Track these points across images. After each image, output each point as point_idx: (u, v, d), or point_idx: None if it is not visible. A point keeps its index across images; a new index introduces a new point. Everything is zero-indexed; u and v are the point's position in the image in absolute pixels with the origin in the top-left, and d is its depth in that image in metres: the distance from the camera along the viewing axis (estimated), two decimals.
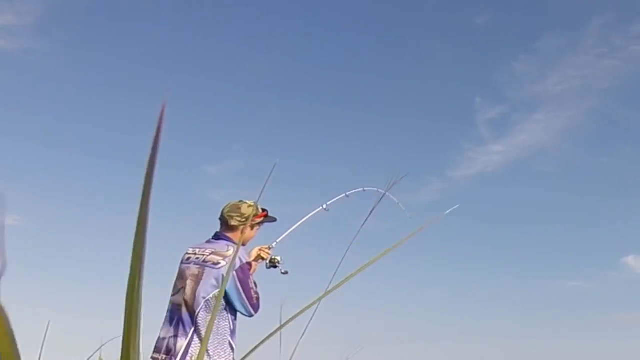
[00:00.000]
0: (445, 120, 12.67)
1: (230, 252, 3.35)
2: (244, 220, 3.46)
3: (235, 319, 3.34)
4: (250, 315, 3.33)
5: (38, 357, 2.23)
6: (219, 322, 3.27)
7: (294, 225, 3.91)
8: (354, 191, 4.22)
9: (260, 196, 1.01)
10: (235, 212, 3.47)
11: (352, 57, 12.44)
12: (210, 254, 3.38)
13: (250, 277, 3.35)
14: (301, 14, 12.27)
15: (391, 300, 11.19)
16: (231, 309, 3.30)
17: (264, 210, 3.61)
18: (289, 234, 3.87)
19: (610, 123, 11.81)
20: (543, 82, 11.73)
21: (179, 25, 12.20)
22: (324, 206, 4.03)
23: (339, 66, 12.38)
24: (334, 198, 4.10)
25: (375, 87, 12.55)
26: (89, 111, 12.31)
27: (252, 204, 3.51)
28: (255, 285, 3.38)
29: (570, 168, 12.09)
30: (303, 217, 3.97)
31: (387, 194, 4.38)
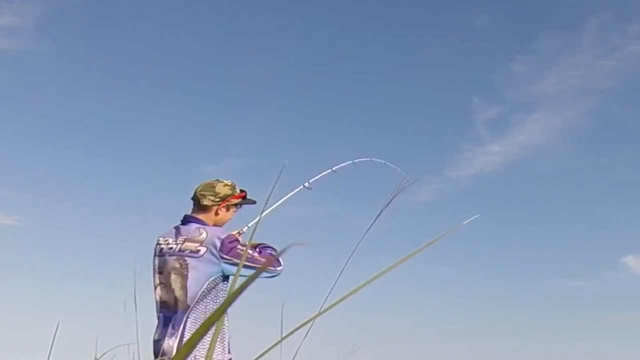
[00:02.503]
0: (443, 121, 12.67)
1: (204, 235, 3.06)
2: (217, 200, 3.17)
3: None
4: (276, 274, 3.05)
5: (47, 358, 2.24)
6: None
7: (272, 206, 3.44)
8: (342, 165, 3.73)
9: (268, 198, 1.00)
10: (208, 191, 3.18)
11: (351, 57, 12.44)
12: (184, 242, 3.07)
13: (237, 245, 3.03)
14: (301, 13, 12.27)
15: (390, 300, 11.19)
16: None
17: (242, 191, 3.28)
18: (264, 217, 3.44)
19: (609, 123, 11.81)
20: (541, 82, 11.74)
21: (179, 25, 12.20)
22: (306, 184, 3.58)
23: (339, 66, 12.38)
24: (318, 174, 3.62)
25: (374, 87, 12.55)
26: (89, 111, 12.31)
27: (229, 183, 3.24)
28: (253, 249, 3.10)
29: (569, 168, 12.10)
30: (283, 197, 3.52)
31: (386, 162, 4.08)
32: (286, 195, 3.55)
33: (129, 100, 11.88)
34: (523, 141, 11.68)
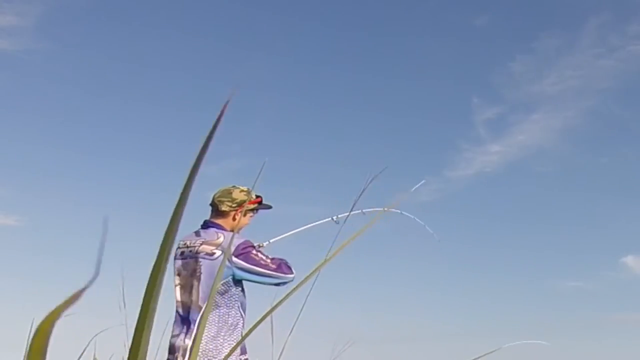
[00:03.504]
0: (442, 121, 12.65)
1: (221, 239, 3.20)
2: (234, 205, 3.30)
3: (245, 311, 3.21)
4: (286, 280, 3.20)
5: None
6: (235, 314, 3.14)
7: (296, 229, 3.67)
8: (372, 210, 3.82)
9: (250, 191, 1.01)
10: (226, 197, 3.31)
11: (351, 57, 12.45)
12: (201, 245, 3.21)
13: (252, 251, 3.16)
14: (300, 13, 12.29)
15: (389, 300, 11.20)
16: (238, 300, 3.17)
17: (257, 196, 3.41)
18: (286, 237, 3.64)
19: (609, 123, 11.80)
20: (540, 82, 11.73)
21: (179, 25, 12.21)
22: (334, 218, 3.70)
23: (338, 66, 12.38)
24: (346, 212, 3.70)
25: (374, 87, 12.56)
26: (89, 111, 12.32)
27: (245, 189, 3.36)
28: (267, 255, 3.23)
29: (569, 168, 12.09)
30: (309, 224, 3.69)
31: (414, 217, 4.25)
32: (312, 223, 3.72)
33: (129, 100, 11.90)
34: (523, 141, 11.68)
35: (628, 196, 11.77)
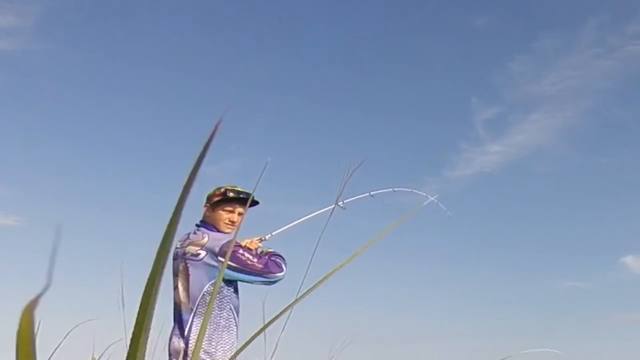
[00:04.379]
0: (442, 121, 12.66)
1: (205, 239, 3.16)
2: (206, 202, 3.36)
3: (238, 314, 3.20)
4: (275, 279, 3.14)
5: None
6: (228, 315, 3.14)
7: (298, 220, 3.58)
8: (381, 191, 3.79)
9: (253, 194, 1.00)
10: (206, 198, 3.38)
11: (350, 57, 12.44)
12: (188, 245, 3.20)
13: (238, 250, 3.12)
14: (299, 13, 12.28)
15: (388, 300, 11.19)
16: (230, 302, 3.16)
17: (226, 190, 3.31)
18: (289, 228, 3.55)
19: (608, 123, 11.81)
20: (539, 82, 11.73)
21: (178, 25, 12.20)
22: (341, 203, 3.50)
23: (338, 66, 12.37)
24: (355, 196, 3.60)
25: (373, 87, 12.55)
26: (88, 111, 12.31)
27: (221, 186, 3.35)
28: (254, 254, 3.17)
29: (568, 168, 12.09)
30: (312, 213, 3.55)
31: (425, 194, 4.12)
32: (317, 211, 3.58)
33: (129, 100, 11.88)
34: (522, 141, 11.68)
35: (628, 196, 11.78)
